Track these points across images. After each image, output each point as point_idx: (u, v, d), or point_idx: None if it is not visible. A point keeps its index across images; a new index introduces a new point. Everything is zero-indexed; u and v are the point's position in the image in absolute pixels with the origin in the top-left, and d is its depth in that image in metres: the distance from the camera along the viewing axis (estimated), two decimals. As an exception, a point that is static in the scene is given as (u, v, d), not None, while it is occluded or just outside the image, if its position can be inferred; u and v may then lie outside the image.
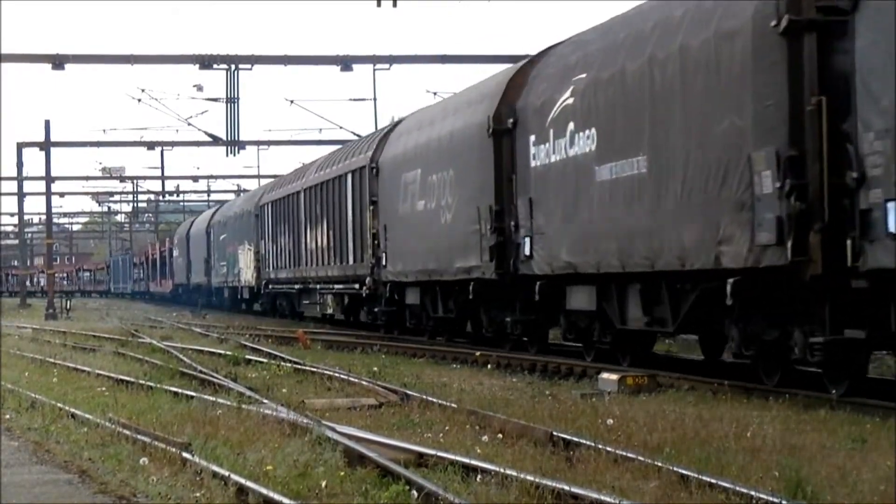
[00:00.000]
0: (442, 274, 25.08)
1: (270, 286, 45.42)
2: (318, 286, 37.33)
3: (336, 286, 34.89)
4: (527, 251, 21.04)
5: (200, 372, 19.47)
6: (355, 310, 34.99)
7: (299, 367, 20.19)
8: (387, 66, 39.44)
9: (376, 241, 29.92)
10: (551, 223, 20.16)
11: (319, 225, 36.36)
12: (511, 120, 21.77)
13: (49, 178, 58.37)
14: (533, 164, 20.76)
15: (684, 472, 9.15)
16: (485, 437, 11.78)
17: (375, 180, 30.17)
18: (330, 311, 36.73)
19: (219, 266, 57.63)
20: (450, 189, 24.54)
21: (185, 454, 10.58)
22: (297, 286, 40.69)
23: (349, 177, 32.78)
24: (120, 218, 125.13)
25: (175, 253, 73.86)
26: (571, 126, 19.21)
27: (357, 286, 31.87)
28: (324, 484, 9.40)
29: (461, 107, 25.03)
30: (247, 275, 49.72)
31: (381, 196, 29.75)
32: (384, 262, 29.17)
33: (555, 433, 11.26)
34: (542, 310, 21.70)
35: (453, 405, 13.94)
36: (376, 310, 30.97)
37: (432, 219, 25.51)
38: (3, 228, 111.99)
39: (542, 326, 22.77)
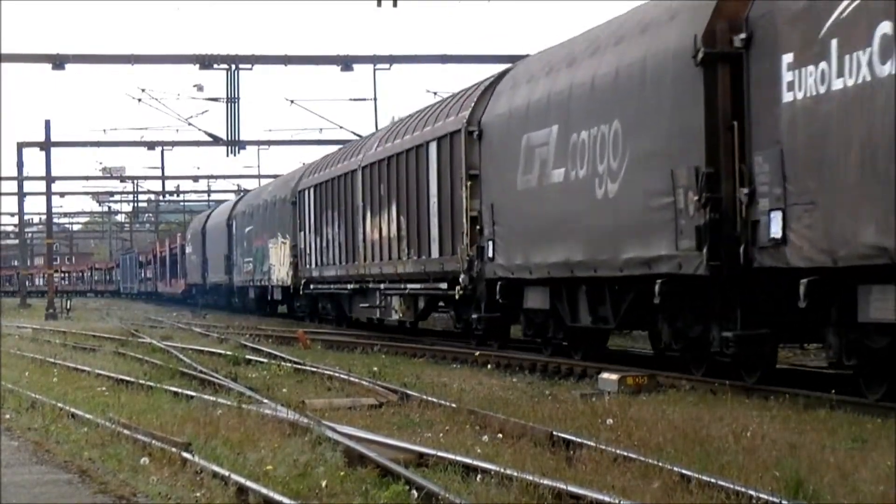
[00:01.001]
0: (596, 268, 18.42)
1: (312, 286, 38.14)
2: (380, 286, 30.13)
3: (410, 286, 27.83)
4: (775, 231, 14.38)
5: (200, 372, 19.48)
6: (428, 315, 29.88)
7: (299, 367, 20.19)
8: (387, 66, 39.49)
9: (478, 227, 23.19)
10: (833, 187, 13.32)
11: (385, 210, 29.38)
12: (742, 36, 14.86)
13: (49, 178, 58.39)
14: (788, 97, 14.02)
15: (685, 471, 9.15)
16: (485, 437, 11.78)
17: (476, 147, 23.27)
18: (397, 316, 29.67)
19: (243, 263, 50.13)
20: (612, 149, 17.85)
21: (185, 454, 10.59)
22: (349, 286, 33.14)
23: (432, 146, 25.94)
24: (120, 218, 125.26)
25: (188, 250, 67.13)
26: (886, 27, 12.49)
27: (444, 286, 25.19)
28: (324, 484, 9.40)
29: (630, 33, 18.01)
30: (280, 273, 42.34)
31: (484, 167, 22.91)
32: (490, 254, 22.30)
33: (555, 433, 11.26)
34: (808, 319, 14.50)
35: (453, 405, 13.94)
36: (474, 316, 23.88)
37: (579, 192, 18.82)
38: (3, 228, 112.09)
39: (770, 343, 15.95)
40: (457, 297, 24.38)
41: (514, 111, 21.72)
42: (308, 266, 38.07)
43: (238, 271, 51.56)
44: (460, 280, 23.96)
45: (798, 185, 13.98)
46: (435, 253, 25.89)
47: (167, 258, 78.26)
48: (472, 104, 24.38)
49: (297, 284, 39.52)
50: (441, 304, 28.15)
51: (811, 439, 11.40)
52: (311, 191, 37.65)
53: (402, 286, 28.39)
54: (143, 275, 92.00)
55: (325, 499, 9.12)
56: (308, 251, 38.05)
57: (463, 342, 25.41)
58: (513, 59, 31.98)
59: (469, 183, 23.68)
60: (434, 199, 25.93)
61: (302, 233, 38.89)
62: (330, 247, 35.18)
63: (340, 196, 33.98)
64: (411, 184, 27.49)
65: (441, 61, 38.56)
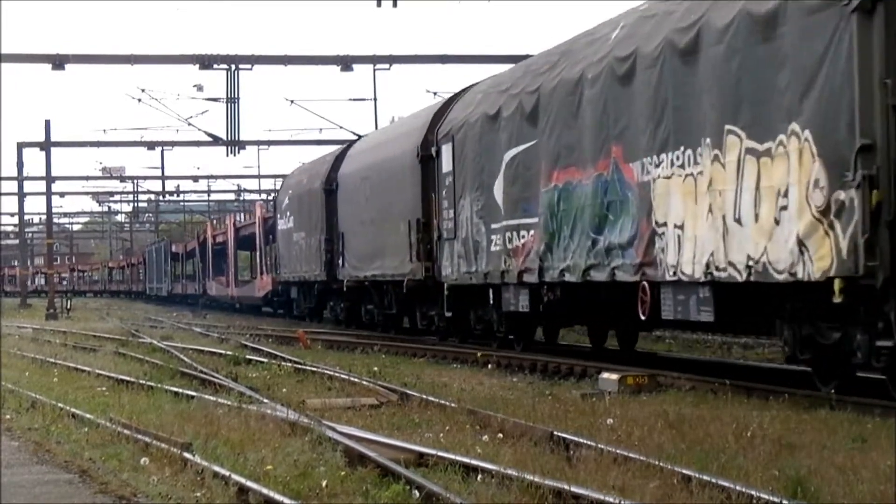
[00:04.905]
0: None
1: None
2: None
3: None
4: None
5: (201, 372, 19.48)
6: None
7: (300, 366, 20.19)
8: (387, 66, 39.50)
9: None
10: None
11: None
12: None
13: (49, 178, 58.38)
14: None
15: (684, 471, 9.15)
16: (485, 437, 11.78)
17: None
18: None
19: (486, 235, 22.72)
20: None
21: (185, 454, 10.59)
22: None
23: None
24: (120, 218, 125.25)
25: (283, 225, 41.89)
26: None
27: None
28: (324, 484, 9.41)
29: None
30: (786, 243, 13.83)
31: None
32: None
33: (555, 433, 11.27)
34: None
35: (453, 405, 13.95)
36: None
37: None
38: (3, 228, 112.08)
39: None
40: None
41: None
42: None
43: (462, 256, 24.24)
44: None
45: None
46: None
47: (229, 245, 55.48)
48: None
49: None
50: None
51: (811, 439, 11.40)
52: None
53: None
54: (178, 271, 71.51)
55: (325, 499, 9.13)
56: None
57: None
58: (513, 59, 31.99)
59: None
60: None
61: None
62: None
63: None
64: None
65: (441, 61, 38.57)
